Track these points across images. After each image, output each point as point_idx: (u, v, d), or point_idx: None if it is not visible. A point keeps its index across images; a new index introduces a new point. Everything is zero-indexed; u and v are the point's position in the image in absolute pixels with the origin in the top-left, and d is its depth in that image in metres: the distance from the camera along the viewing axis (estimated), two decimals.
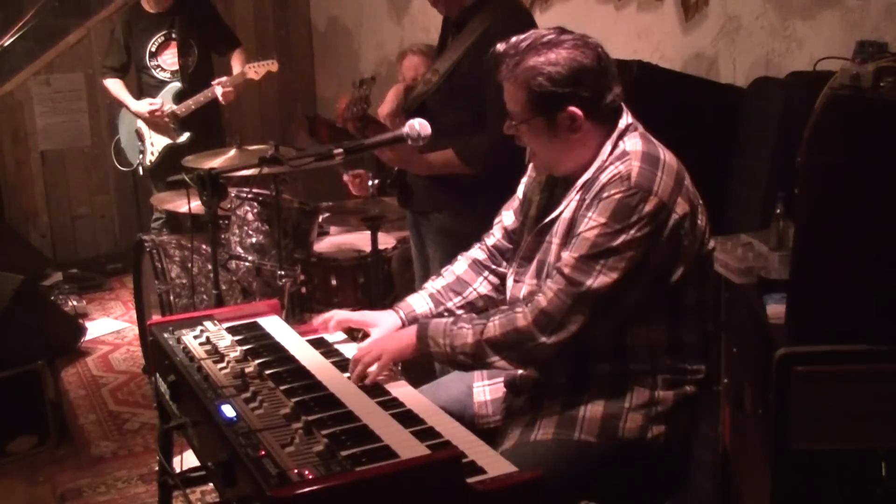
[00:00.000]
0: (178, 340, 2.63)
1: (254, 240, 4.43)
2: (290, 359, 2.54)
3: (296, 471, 1.86)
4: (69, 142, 7.06)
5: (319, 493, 1.78)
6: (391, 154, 3.33)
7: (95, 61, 6.86)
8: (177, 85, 5.87)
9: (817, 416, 2.33)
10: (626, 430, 2.32)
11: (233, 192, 4.43)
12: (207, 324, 2.74)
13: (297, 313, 4.50)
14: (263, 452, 1.95)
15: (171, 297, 4.51)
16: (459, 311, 2.68)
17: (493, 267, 2.72)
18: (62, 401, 4.70)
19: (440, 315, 2.68)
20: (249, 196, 4.40)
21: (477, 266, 2.74)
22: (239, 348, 2.57)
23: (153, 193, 5.82)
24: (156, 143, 5.92)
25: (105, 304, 6.40)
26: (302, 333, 2.76)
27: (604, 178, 2.28)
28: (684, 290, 2.33)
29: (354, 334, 2.93)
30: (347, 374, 2.46)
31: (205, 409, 2.22)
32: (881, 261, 2.28)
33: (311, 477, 1.84)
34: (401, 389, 2.40)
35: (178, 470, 2.70)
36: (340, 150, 2.87)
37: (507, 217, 2.71)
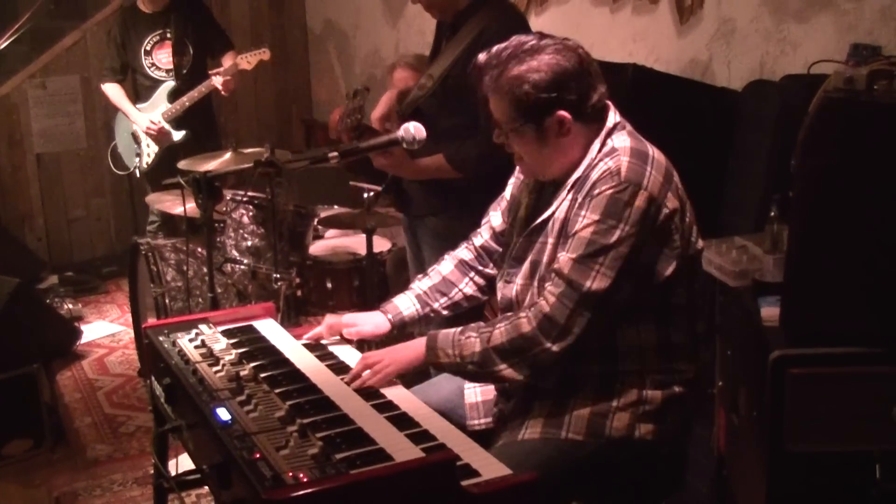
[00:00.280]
0: (174, 343, 2.63)
1: (249, 243, 4.43)
2: (285, 362, 2.54)
3: (290, 473, 1.87)
4: (65, 145, 7.06)
5: (314, 496, 1.78)
6: (384, 161, 3.34)
7: (91, 64, 6.86)
8: (171, 83, 5.88)
9: (812, 419, 2.34)
10: (613, 429, 2.33)
11: (228, 195, 4.43)
12: (203, 327, 2.74)
13: (293, 316, 4.49)
14: (258, 455, 1.95)
15: (167, 300, 4.51)
16: (445, 312, 2.72)
17: (480, 268, 2.73)
18: (58, 404, 4.70)
19: (426, 316, 2.72)
20: (245, 199, 4.41)
21: (463, 266, 2.75)
22: (234, 351, 2.57)
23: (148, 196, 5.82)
24: (152, 145, 5.93)
25: (100, 307, 6.40)
26: (297, 336, 2.76)
27: (594, 175, 2.30)
28: (674, 290, 2.33)
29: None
30: (342, 377, 2.46)
31: (200, 412, 2.22)
32: (875, 263, 2.29)
33: (305, 480, 1.85)
34: (395, 392, 2.40)
35: (173, 473, 2.70)
36: (336, 154, 2.88)
37: (495, 218, 2.71)
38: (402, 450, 2.02)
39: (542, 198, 2.49)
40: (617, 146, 2.33)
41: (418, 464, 1.93)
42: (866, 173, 2.25)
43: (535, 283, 2.39)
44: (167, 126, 5.84)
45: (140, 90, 6.02)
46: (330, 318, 2.77)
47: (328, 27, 7.65)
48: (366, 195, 4.13)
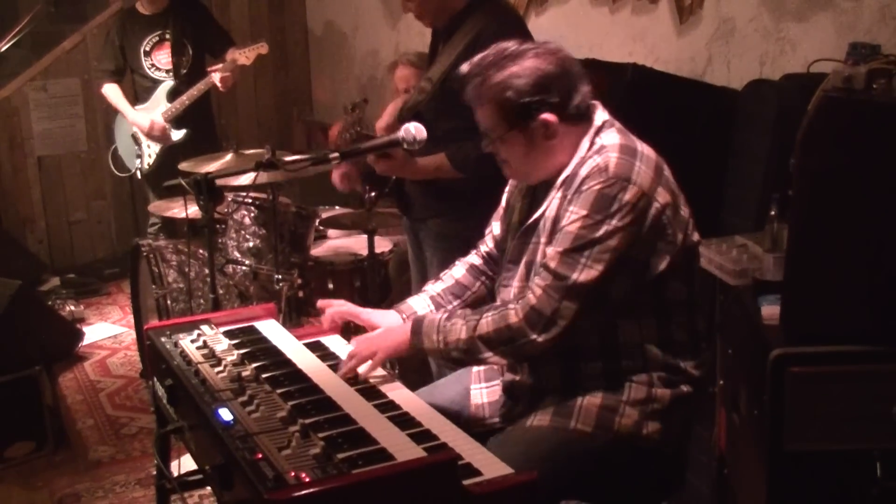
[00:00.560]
0: (176, 345, 2.63)
1: (250, 244, 4.43)
2: (286, 362, 2.55)
3: (292, 474, 1.87)
4: (66, 147, 7.06)
5: (316, 496, 1.78)
6: (384, 165, 3.34)
7: (92, 67, 6.85)
8: (170, 83, 5.88)
9: (812, 417, 2.34)
10: (621, 425, 2.34)
11: (229, 196, 4.44)
12: (204, 328, 2.75)
13: (294, 317, 4.50)
14: (260, 456, 1.95)
15: (169, 302, 4.51)
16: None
17: (490, 273, 2.76)
18: (60, 406, 4.71)
19: None
20: (246, 200, 4.41)
21: (474, 270, 2.77)
22: (236, 352, 2.57)
23: (150, 198, 5.83)
24: (152, 146, 5.93)
25: (102, 309, 6.41)
26: (299, 337, 2.77)
27: (583, 172, 2.32)
28: (672, 285, 2.35)
29: (348, 335, 2.93)
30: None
31: (202, 412, 2.23)
32: (875, 262, 2.29)
33: (307, 480, 1.85)
34: (397, 392, 2.40)
35: (175, 474, 2.70)
36: (337, 155, 2.88)
37: (496, 227, 2.75)
38: (404, 449, 2.02)
39: (535, 200, 2.51)
40: (605, 143, 2.35)
41: (420, 463, 1.93)
42: (866, 172, 2.25)
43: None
44: (167, 126, 5.84)
45: (139, 91, 6.02)
46: (348, 306, 2.76)
47: (328, 28, 7.66)
48: (367, 196, 4.14)
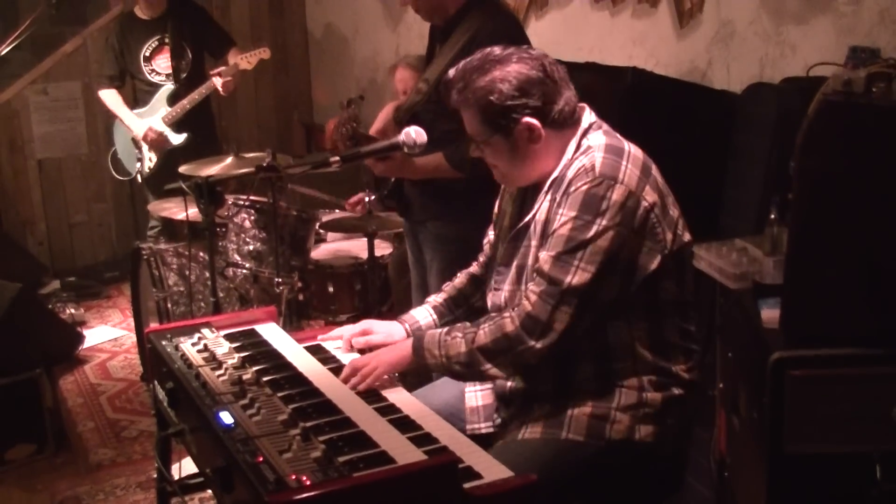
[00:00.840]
0: (176, 348, 2.63)
1: (251, 247, 4.44)
2: (287, 366, 2.55)
3: (293, 477, 1.87)
4: (66, 150, 7.07)
5: (317, 499, 1.79)
6: (382, 166, 3.35)
7: (92, 70, 6.87)
8: (170, 87, 5.88)
9: (812, 420, 2.34)
10: (613, 431, 2.34)
11: (230, 199, 4.44)
12: (205, 331, 2.75)
13: (295, 320, 4.51)
14: (261, 459, 1.96)
15: (169, 305, 4.52)
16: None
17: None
18: (60, 408, 4.71)
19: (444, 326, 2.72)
20: (246, 203, 4.42)
21: (475, 280, 2.79)
22: (237, 355, 2.58)
23: (150, 201, 5.83)
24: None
25: (103, 312, 6.41)
26: (299, 340, 2.77)
27: (570, 173, 2.33)
28: (663, 285, 2.35)
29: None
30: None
31: (203, 415, 2.23)
32: (875, 265, 2.29)
33: (308, 483, 1.85)
34: (397, 395, 2.41)
35: (176, 477, 2.71)
36: (337, 158, 2.89)
37: (491, 234, 2.76)
38: (405, 453, 2.03)
39: (525, 204, 2.52)
40: (592, 144, 2.36)
41: (420, 466, 1.93)
42: (865, 175, 2.26)
43: (523, 288, 2.41)
44: (166, 131, 5.84)
45: (139, 95, 6.03)
46: (366, 338, 2.73)
47: (328, 31, 7.66)
48: (367, 199, 4.15)
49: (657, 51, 4.28)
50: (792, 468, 2.36)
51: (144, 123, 5.84)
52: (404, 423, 2.21)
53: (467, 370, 2.39)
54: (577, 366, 2.37)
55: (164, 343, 2.69)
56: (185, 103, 5.80)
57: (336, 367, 2.56)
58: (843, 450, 2.34)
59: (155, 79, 5.92)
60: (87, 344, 5.63)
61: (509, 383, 2.50)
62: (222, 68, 5.78)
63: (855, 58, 2.58)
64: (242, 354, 2.59)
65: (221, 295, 4.33)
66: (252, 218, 4.42)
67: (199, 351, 2.60)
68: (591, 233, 2.24)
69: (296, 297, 4.47)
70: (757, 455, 2.49)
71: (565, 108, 2.38)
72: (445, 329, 2.44)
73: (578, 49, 4.66)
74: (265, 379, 2.42)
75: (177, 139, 5.86)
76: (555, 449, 2.33)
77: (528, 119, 2.34)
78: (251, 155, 4.70)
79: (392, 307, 4.72)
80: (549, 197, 2.38)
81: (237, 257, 4.46)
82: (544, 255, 2.30)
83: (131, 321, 5.47)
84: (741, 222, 3.31)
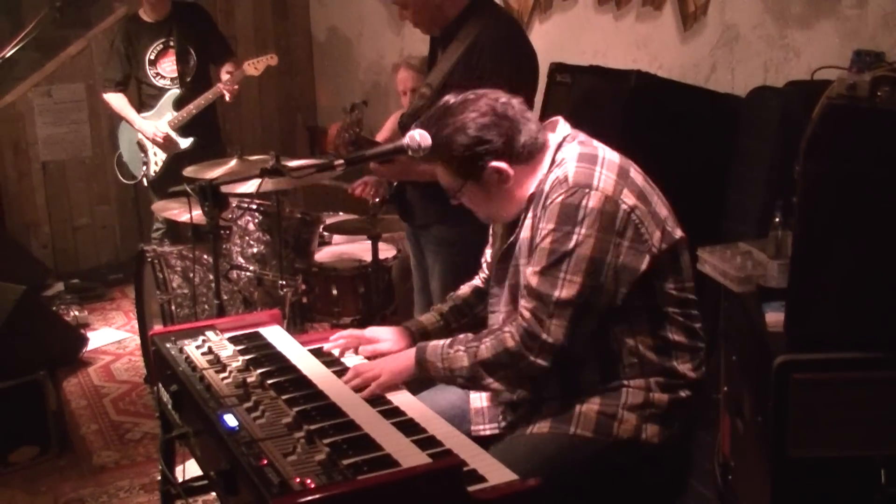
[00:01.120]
0: (181, 350, 2.63)
1: (255, 250, 4.44)
2: (291, 368, 2.55)
3: (297, 480, 1.87)
4: (70, 152, 7.07)
5: (321, 502, 1.78)
6: (385, 169, 3.35)
7: (96, 72, 6.88)
8: (176, 91, 5.89)
9: (816, 424, 2.34)
10: (620, 429, 2.34)
11: (234, 202, 4.44)
12: (209, 334, 2.75)
13: (299, 323, 4.51)
14: (265, 462, 1.96)
15: (173, 307, 4.51)
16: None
17: None
18: (64, 411, 4.70)
19: (448, 329, 2.76)
20: (251, 206, 4.42)
21: (479, 292, 2.81)
22: (241, 358, 2.58)
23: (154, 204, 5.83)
24: (159, 153, 5.94)
25: (106, 314, 6.41)
26: (304, 343, 2.77)
27: (546, 187, 2.35)
28: (659, 284, 2.34)
29: None
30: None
31: (207, 418, 2.23)
32: (879, 268, 2.29)
33: (312, 486, 1.85)
34: (402, 398, 2.41)
35: (180, 479, 2.71)
36: (341, 161, 2.89)
37: (488, 254, 2.79)
38: (409, 455, 2.03)
39: (513, 224, 2.53)
40: (566, 156, 2.38)
41: (425, 469, 1.93)
42: (869, 179, 2.26)
43: (518, 307, 2.43)
44: (173, 134, 5.86)
45: (145, 99, 6.03)
46: (370, 346, 2.76)
47: (332, 35, 7.67)
48: (371, 202, 4.16)
49: (661, 54, 4.28)
50: (796, 472, 2.36)
51: (152, 125, 5.85)
52: (408, 426, 2.21)
53: (471, 383, 2.42)
54: (581, 371, 2.38)
55: (168, 345, 2.69)
56: (192, 108, 5.81)
57: (340, 370, 2.56)
58: (847, 454, 2.35)
59: (160, 82, 5.93)
60: (90, 346, 5.63)
61: (514, 397, 2.51)
62: (228, 76, 5.79)
63: (859, 61, 2.59)
64: (246, 357, 2.59)
65: (225, 297, 4.32)
66: (256, 220, 4.43)
67: (203, 353, 2.60)
68: (572, 243, 2.25)
69: (299, 300, 4.47)
70: (761, 459, 2.49)
71: (528, 141, 2.40)
72: (447, 341, 2.46)
73: (582, 52, 4.66)
74: (269, 382, 2.42)
75: (184, 143, 5.87)
76: (562, 444, 2.33)
77: (493, 163, 2.37)
78: (255, 157, 4.70)
79: (396, 310, 4.73)
80: (530, 214, 2.40)
81: (241, 260, 4.46)
82: (530, 271, 2.32)
83: (135, 323, 5.48)
84: (745, 225, 3.31)
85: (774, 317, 2.51)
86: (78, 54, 7.02)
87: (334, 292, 4.66)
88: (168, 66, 5.93)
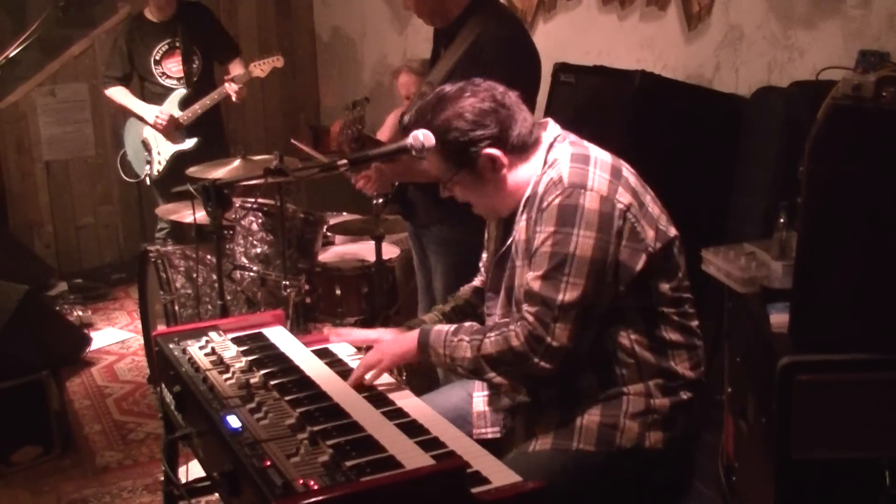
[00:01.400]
0: (184, 351, 2.63)
1: (258, 250, 4.44)
2: (294, 369, 2.55)
3: (301, 481, 1.87)
4: (73, 152, 7.08)
5: None
6: (387, 168, 3.35)
7: (100, 72, 6.86)
8: (182, 91, 5.89)
9: (820, 425, 2.34)
10: (623, 439, 2.33)
11: (237, 202, 4.45)
12: (213, 334, 2.75)
13: (302, 323, 4.51)
14: (268, 463, 1.95)
15: (176, 308, 4.52)
16: None
17: None
18: (67, 411, 4.71)
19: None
20: (254, 206, 4.42)
21: (479, 292, 2.81)
22: (244, 359, 2.57)
23: (159, 204, 5.83)
24: (163, 153, 5.94)
25: (110, 314, 6.42)
26: (307, 344, 2.77)
27: (541, 189, 2.35)
28: (654, 283, 2.34)
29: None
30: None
31: (210, 419, 2.23)
32: (884, 270, 2.29)
33: (315, 487, 1.85)
34: (405, 399, 2.40)
35: (183, 480, 2.71)
36: (345, 161, 2.88)
37: (485, 256, 2.79)
38: (413, 457, 2.02)
39: (508, 227, 2.53)
40: (558, 156, 2.38)
41: (428, 471, 1.93)
42: (875, 180, 2.26)
43: (514, 308, 2.43)
44: (176, 113, 5.83)
45: (150, 98, 6.02)
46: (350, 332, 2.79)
47: (336, 34, 7.67)
48: (374, 202, 4.15)
49: (665, 54, 4.27)
50: (800, 474, 2.36)
51: (155, 110, 5.83)
52: (412, 428, 2.21)
53: (471, 375, 2.41)
54: (579, 375, 2.37)
55: (171, 346, 2.69)
56: (197, 108, 5.81)
57: (343, 371, 2.56)
58: (851, 455, 2.34)
59: (166, 82, 5.93)
60: (93, 346, 5.63)
61: (514, 402, 2.50)
62: (235, 75, 5.79)
63: (864, 62, 2.58)
64: (250, 358, 2.59)
65: (229, 298, 4.33)
66: (259, 221, 4.42)
67: (206, 354, 2.60)
68: (572, 244, 2.25)
69: (303, 300, 4.47)
70: (765, 460, 2.49)
71: (523, 132, 2.41)
72: (452, 328, 2.45)
73: (586, 52, 4.65)
74: (273, 382, 2.41)
75: (188, 143, 5.87)
76: (565, 459, 2.32)
77: (488, 150, 2.37)
78: (259, 157, 4.70)
79: (399, 310, 4.72)
80: (525, 216, 2.40)
81: (244, 260, 4.46)
82: (531, 276, 2.31)
83: (138, 323, 5.48)
84: (749, 226, 3.31)
85: (778, 318, 2.51)
86: (81, 54, 7.03)
87: (338, 292, 4.65)
88: (174, 66, 5.92)
